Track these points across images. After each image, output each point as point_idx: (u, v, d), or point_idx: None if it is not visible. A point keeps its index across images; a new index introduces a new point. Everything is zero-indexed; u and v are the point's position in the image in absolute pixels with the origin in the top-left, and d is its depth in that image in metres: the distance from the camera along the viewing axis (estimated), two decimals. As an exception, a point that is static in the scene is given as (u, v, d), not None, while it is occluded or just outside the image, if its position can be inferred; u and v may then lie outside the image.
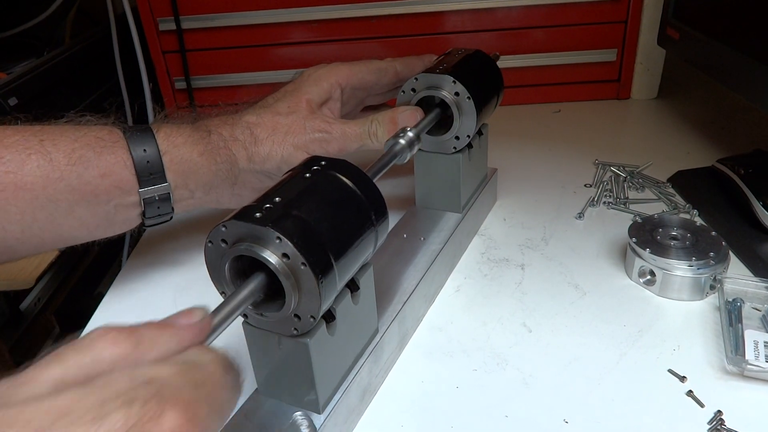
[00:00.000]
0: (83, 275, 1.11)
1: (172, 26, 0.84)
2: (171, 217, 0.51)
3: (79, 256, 1.10)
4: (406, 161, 0.46)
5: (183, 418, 0.22)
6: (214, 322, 0.28)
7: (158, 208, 0.48)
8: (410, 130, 0.46)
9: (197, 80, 0.89)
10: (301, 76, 0.55)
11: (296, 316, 0.33)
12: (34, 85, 0.90)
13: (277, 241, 0.30)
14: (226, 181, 0.51)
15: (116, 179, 0.46)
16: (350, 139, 0.51)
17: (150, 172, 0.47)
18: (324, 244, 0.32)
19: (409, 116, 0.50)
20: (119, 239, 1.12)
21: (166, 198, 0.48)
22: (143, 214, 0.48)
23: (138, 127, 0.48)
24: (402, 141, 0.45)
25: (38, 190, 0.43)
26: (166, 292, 0.54)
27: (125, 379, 0.22)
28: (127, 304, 0.53)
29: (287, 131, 0.50)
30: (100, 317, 0.52)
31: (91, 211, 0.46)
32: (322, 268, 0.31)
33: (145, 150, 0.46)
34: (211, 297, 0.34)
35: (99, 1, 1.01)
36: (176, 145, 0.48)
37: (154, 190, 0.47)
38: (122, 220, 0.48)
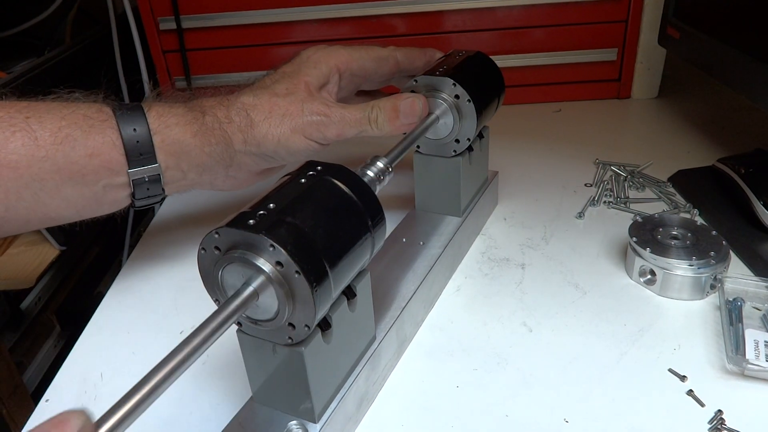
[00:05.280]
0: (83, 275, 1.11)
1: (173, 26, 0.84)
2: (162, 199, 0.49)
3: (79, 256, 1.10)
4: (375, 193, 0.41)
5: None
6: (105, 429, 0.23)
7: (148, 189, 0.47)
8: (380, 160, 0.41)
9: (197, 80, 0.89)
10: (299, 57, 0.53)
11: (291, 324, 0.32)
12: (35, 84, 0.90)
13: (271, 248, 0.29)
14: (220, 163, 0.49)
15: (104, 159, 0.44)
16: (349, 125, 0.49)
17: (140, 153, 0.45)
18: (319, 251, 0.31)
19: (411, 104, 0.49)
20: (119, 239, 1.12)
21: (156, 179, 0.47)
22: (133, 195, 0.47)
23: (128, 105, 0.46)
24: (369, 173, 0.40)
25: (23, 169, 0.42)
26: (167, 292, 0.54)
27: None
28: (127, 304, 0.53)
29: (284, 113, 0.49)
30: (100, 317, 0.52)
31: (78, 191, 0.45)
32: (316, 276, 0.30)
33: (135, 129, 0.45)
34: (209, 298, 0.34)
35: (99, 0, 1.01)
36: (168, 125, 0.46)
37: (143, 171, 0.46)
38: (111, 200, 0.47)
